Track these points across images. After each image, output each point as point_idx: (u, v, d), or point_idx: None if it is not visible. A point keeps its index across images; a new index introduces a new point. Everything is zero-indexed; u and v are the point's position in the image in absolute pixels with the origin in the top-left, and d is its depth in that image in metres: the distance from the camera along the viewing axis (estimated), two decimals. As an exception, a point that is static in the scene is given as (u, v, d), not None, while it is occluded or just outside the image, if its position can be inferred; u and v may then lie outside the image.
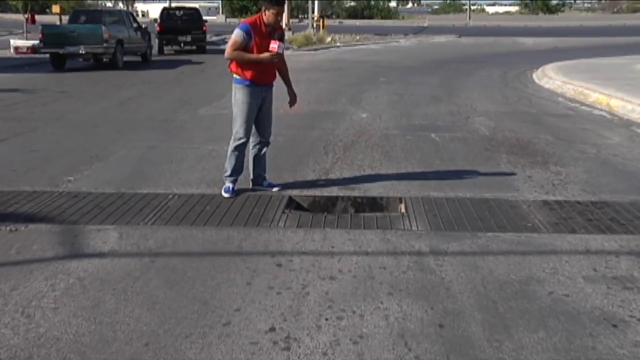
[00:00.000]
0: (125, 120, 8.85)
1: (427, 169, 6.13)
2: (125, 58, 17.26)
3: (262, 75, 5.03)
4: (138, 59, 18.85)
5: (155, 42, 21.57)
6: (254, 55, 4.93)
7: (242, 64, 5.00)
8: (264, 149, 5.32)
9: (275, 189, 5.29)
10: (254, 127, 5.22)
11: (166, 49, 23.05)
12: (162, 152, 6.84)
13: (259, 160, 5.33)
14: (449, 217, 4.65)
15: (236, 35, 4.94)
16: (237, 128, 5.11)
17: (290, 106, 5.32)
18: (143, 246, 4.06)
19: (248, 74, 5.02)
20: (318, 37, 28.31)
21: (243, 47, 4.93)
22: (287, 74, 5.33)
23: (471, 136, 7.76)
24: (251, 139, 5.30)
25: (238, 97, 5.09)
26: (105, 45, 15.93)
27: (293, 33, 27.86)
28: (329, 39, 28.92)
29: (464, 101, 10.87)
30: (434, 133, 7.91)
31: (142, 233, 4.29)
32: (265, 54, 4.91)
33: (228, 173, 5.21)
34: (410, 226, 4.48)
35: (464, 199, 5.09)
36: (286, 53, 5.41)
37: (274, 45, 4.89)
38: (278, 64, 5.11)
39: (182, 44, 22.75)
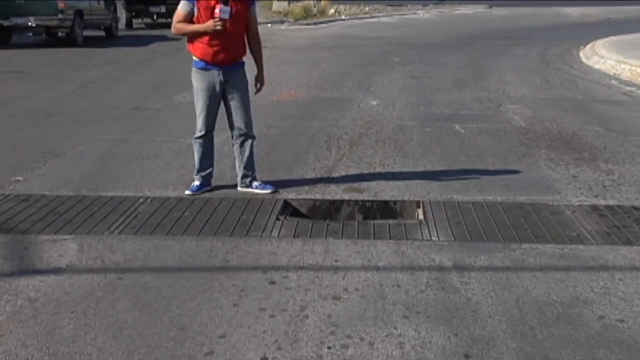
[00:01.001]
0: (86, 108, 8.87)
1: (450, 167, 6.15)
2: (86, 33, 17.28)
3: (217, 53, 5.03)
4: (101, 33, 18.89)
5: (122, 14, 21.61)
6: (195, 25, 5.00)
7: (192, 40, 5.09)
8: (248, 144, 5.34)
9: (267, 191, 5.32)
10: (229, 119, 5.31)
11: (135, 22, 23.07)
12: (131, 146, 6.87)
13: (243, 157, 5.37)
14: (476, 225, 4.67)
15: (180, 5, 5.05)
16: (196, 119, 5.27)
17: (256, 92, 5.33)
18: (108, 260, 4.08)
19: (197, 51, 5.09)
20: (319, 8, 28.37)
21: (189, 19, 5.02)
22: (259, 51, 5.30)
23: (503, 128, 7.78)
24: (232, 133, 5.38)
25: (193, 83, 5.23)
26: (60, 16, 15.88)
27: (289, 3, 27.91)
28: (332, 11, 28.98)
29: (495, 86, 10.89)
30: (458, 124, 7.92)
31: (107, 244, 4.31)
32: (208, 22, 4.95)
33: (195, 170, 5.38)
34: (430, 236, 4.50)
35: (494, 204, 5.11)
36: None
37: (216, 10, 4.92)
38: (237, 38, 5.07)
39: (154, 16, 22.74)
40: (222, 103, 5.24)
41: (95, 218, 4.76)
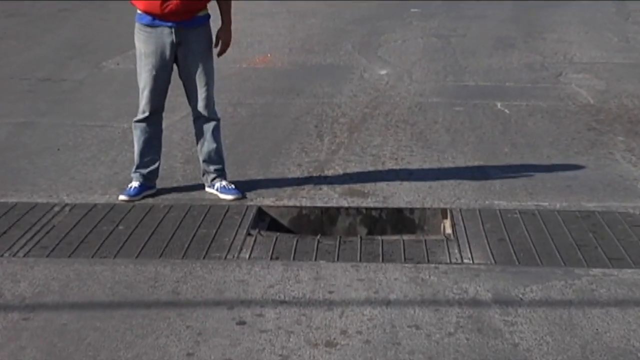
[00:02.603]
0: (-22, 79, 8.86)
1: (489, 162, 6.18)
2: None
3: (166, 0, 5.05)
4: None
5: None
6: None
7: None
8: (207, 128, 5.37)
9: (230, 197, 5.34)
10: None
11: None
12: (41, 133, 6.86)
13: (202, 146, 5.41)
14: (526, 242, 4.69)
15: None
16: (139, 95, 5.34)
17: (219, 54, 5.35)
18: (9, 293, 4.07)
19: (139, 1, 5.14)
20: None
21: None
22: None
23: (564, 106, 7.81)
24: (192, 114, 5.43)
25: (136, 45, 5.29)
26: None
27: None
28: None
29: (552, 47, 10.90)
30: (500, 101, 7.95)
31: (8, 271, 4.30)
32: None
33: (134, 166, 5.43)
34: (461, 257, 4.52)
35: (551, 212, 5.14)
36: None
37: None
38: None
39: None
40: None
41: (-9, 234, 4.77)
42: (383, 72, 9.32)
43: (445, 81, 8.92)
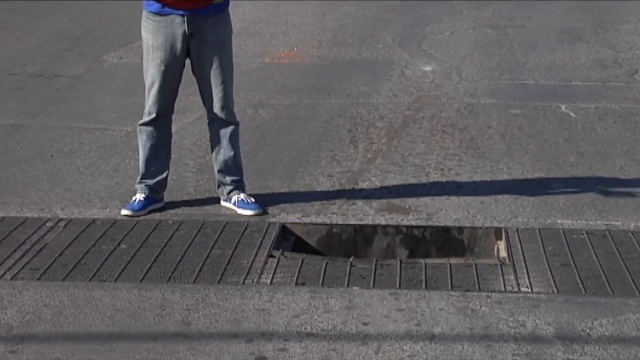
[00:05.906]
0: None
1: (552, 174, 6.16)
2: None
3: None
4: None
5: None
6: None
7: None
8: (225, 134, 5.40)
9: (249, 212, 5.37)
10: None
11: None
12: (33, 137, 6.91)
13: (218, 154, 5.45)
14: (595, 269, 4.67)
15: None
16: (145, 95, 5.39)
17: None
18: (-4, 320, 4.12)
19: None
20: None
21: None
22: None
23: (641, 109, 7.78)
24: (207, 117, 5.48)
25: (143, 36, 5.36)
26: None
27: None
28: None
29: (627, 39, 10.82)
30: (565, 103, 7.90)
31: (-5, 295, 4.35)
32: None
33: (139, 176, 5.48)
34: (518, 285, 4.50)
35: (624, 234, 5.11)
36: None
37: None
38: None
39: None
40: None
41: (-25, 253, 4.81)
42: (428, 68, 9.30)
43: (501, 79, 8.90)
